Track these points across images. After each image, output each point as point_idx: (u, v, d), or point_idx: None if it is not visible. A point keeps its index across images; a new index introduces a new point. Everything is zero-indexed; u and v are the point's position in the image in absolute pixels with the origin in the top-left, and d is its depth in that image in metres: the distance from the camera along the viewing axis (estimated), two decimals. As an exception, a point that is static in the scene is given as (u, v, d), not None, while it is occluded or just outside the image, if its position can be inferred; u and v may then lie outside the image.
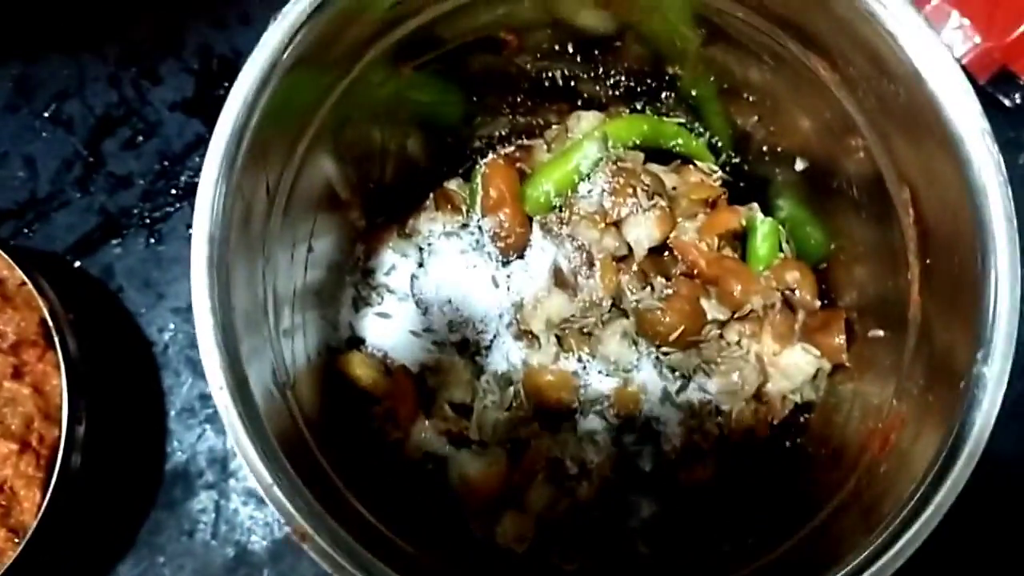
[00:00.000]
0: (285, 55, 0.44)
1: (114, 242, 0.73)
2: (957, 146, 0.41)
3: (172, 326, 0.71)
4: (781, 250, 0.58)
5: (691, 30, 0.51)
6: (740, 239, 0.59)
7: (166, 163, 0.75)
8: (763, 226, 0.58)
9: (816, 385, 0.56)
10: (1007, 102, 0.72)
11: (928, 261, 0.45)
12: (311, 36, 0.45)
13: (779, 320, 0.53)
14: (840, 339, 0.53)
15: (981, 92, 0.72)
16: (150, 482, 0.68)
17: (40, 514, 0.56)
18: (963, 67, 0.72)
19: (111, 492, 0.66)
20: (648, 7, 0.50)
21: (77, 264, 0.73)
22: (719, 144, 0.60)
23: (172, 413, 0.69)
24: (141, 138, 0.75)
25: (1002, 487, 0.60)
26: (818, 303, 0.56)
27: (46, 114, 0.76)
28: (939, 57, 0.42)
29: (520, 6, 0.51)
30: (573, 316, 0.52)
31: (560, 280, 0.53)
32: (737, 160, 0.60)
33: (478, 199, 0.55)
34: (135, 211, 0.74)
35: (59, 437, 0.58)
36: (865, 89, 0.46)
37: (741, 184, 0.61)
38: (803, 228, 0.58)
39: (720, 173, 0.60)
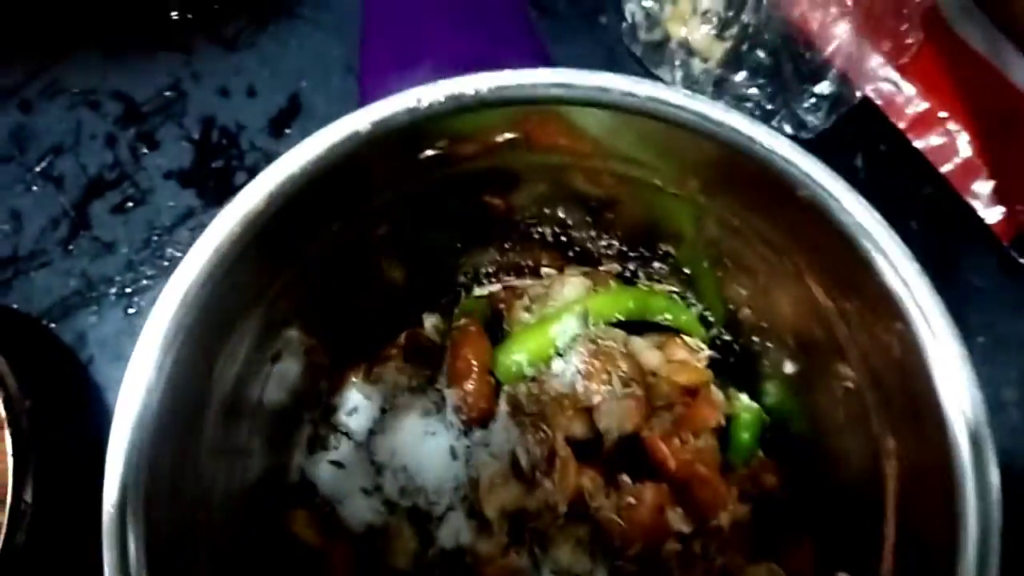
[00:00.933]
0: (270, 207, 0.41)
1: (91, 309, 0.72)
2: (947, 427, 0.37)
3: (138, 406, 0.69)
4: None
5: (688, 223, 0.48)
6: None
7: (154, 233, 0.73)
8: (746, 414, 0.55)
9: (777, 608, 0.52)
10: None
11: (903, 531, 0.42)
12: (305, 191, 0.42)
13: (747, 534, 0.50)
14: (809, 563, 0.50)
15: (1005, 254, 0.70)
16: (96, 568, 0.66)
17: (-25, 598, 0.55)
18: (988, 228, 0.70)
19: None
20: (642, 197, 0.47)
21: (52, 326, 0.71)
22: (711, 319, 0.57)
23: (126, 497, 0.67)
24: (131, 204, 0.73)
25: None
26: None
27: (38, 168, 0.74)
28: (939, 328, 0.38)
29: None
30: (528, 510, 0.49)
31: (518, 472, 0.50)
32: (728, 337, 0.57)
33: (445, 364, 0.53)
34: (116, 279, 0.72)
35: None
36: (859, 329, 0.43)
37: (731, 359, 0.58)
38: (788, 423, 0.54)
39: (708, 352, 0.56)
